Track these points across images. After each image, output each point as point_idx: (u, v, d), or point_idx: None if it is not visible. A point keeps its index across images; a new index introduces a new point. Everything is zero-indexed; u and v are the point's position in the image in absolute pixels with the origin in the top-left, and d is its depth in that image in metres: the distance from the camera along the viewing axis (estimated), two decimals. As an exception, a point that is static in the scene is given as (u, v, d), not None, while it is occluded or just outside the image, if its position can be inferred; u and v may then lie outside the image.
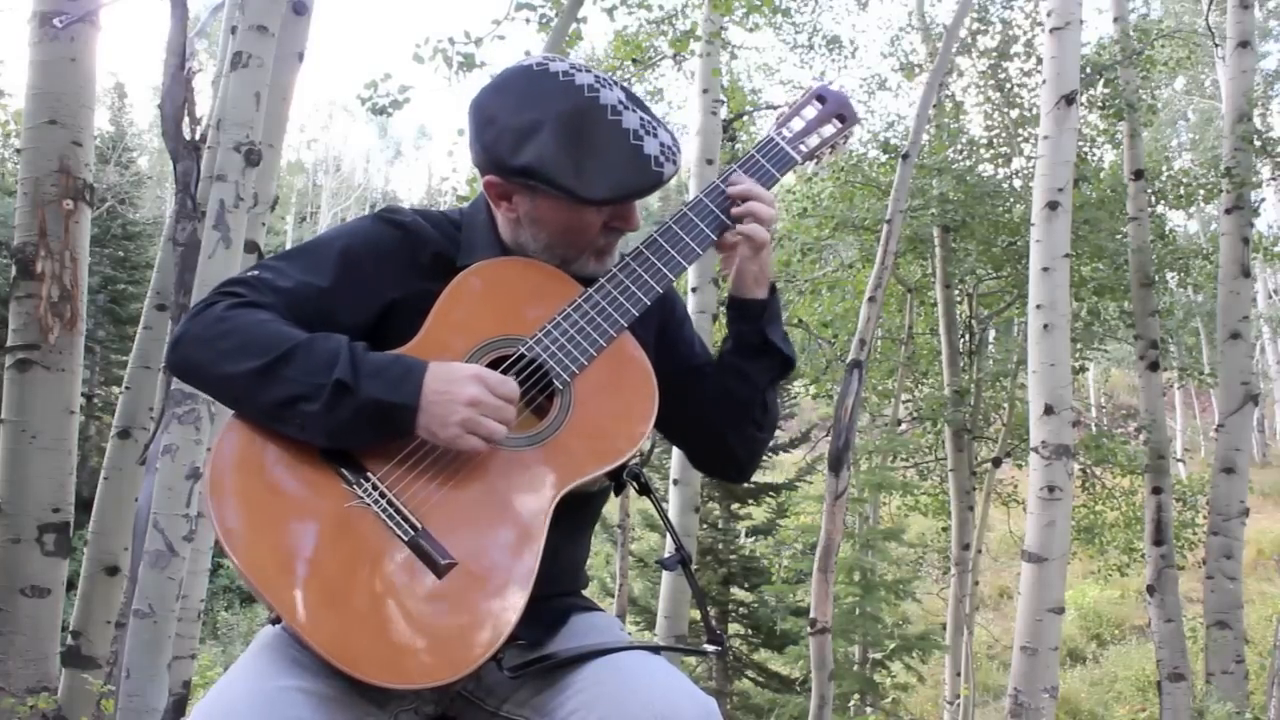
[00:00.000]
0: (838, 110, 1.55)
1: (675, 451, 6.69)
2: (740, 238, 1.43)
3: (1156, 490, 8.19)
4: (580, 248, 1.41)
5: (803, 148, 1.52)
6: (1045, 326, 5.31)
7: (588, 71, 1.36)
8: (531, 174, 1.32)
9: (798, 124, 1.53)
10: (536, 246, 1.41)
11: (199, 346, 1.27)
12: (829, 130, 1.54)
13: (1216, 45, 9.56)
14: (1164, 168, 10.27)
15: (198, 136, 3.65)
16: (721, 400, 1.47)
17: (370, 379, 1.23)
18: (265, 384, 1.23)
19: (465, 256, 1.42)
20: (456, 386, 1.24)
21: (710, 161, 6.92)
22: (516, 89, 1.36)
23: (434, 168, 44.75)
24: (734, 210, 1.43)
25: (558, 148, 1.31)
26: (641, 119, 1.35)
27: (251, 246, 3.55)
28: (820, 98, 1.55)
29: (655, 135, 1.35)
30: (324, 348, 1.25)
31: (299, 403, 1.22)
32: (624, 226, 1.41)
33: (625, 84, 1.41)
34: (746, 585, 11.19)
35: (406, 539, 1.22)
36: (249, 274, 1.35)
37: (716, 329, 6.75)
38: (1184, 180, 9.66)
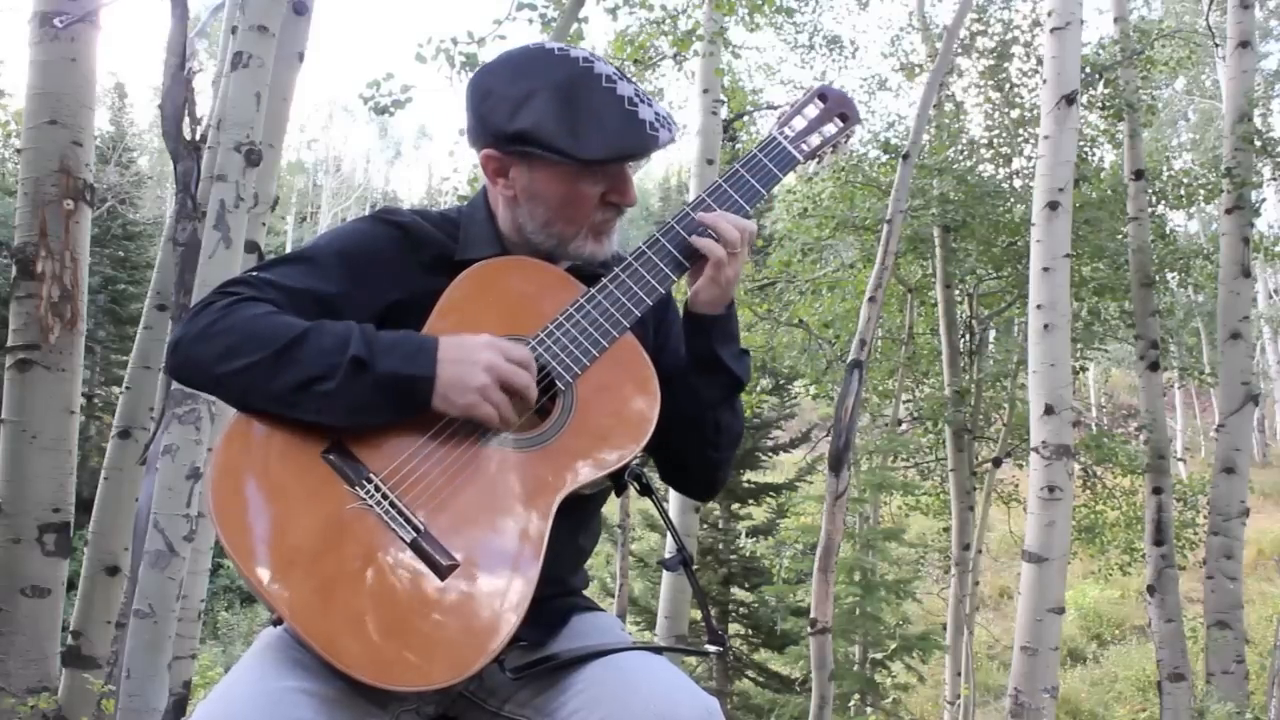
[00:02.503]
0: (840, 109, 1.54)
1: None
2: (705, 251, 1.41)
3: (1157, 490, 8.19)
4: (578, 222, 1.40)
5: (804, 147, 1.51)
6: (1045, 326, 5.31)
7: (582, 50, 1.39)
8: (527, 138, 1.33)
9: (799, 123, 1.53)
10: (534, 225, 1.41)
11: (200, 345, 1.26)
12: (831, 129, 1.54)
13: (1217, 45, 9.56)
14: (1164, 168, 10.26)
15: (198, 136, 3.65)
16: (676, 416, 1.42)
17: (386, 354, 1.24)
18: (277, 371, 1.22)
19: (464, 252, 1.41)
20: (473, 353, 1.25)
21: (711, 161, 6.92)
22: (512, 64, 1.38)
23: (434, 168, 44.81)
24: (694, 238, 1.41)
25: (553, 111, 1.32)
26: (636, 89, 1.37)
27: (252, 246, 3.55)
28: (822, 96, 1.55)
29: (650, 105, 1.36)
30: (334, 330, 1.25)
31: (314, 384, 1.22)
32: (621, 201, 1.41)
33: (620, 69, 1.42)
34: (747, 585, 11.19)
35: (408, 540, 1.22)
36: (249, 274, 1.35)
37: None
38: (1184, 180, 9.66)
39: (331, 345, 1.23)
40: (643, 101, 1.35)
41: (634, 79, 1.44)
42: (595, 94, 1.33)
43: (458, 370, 1.24)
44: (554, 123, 1.32)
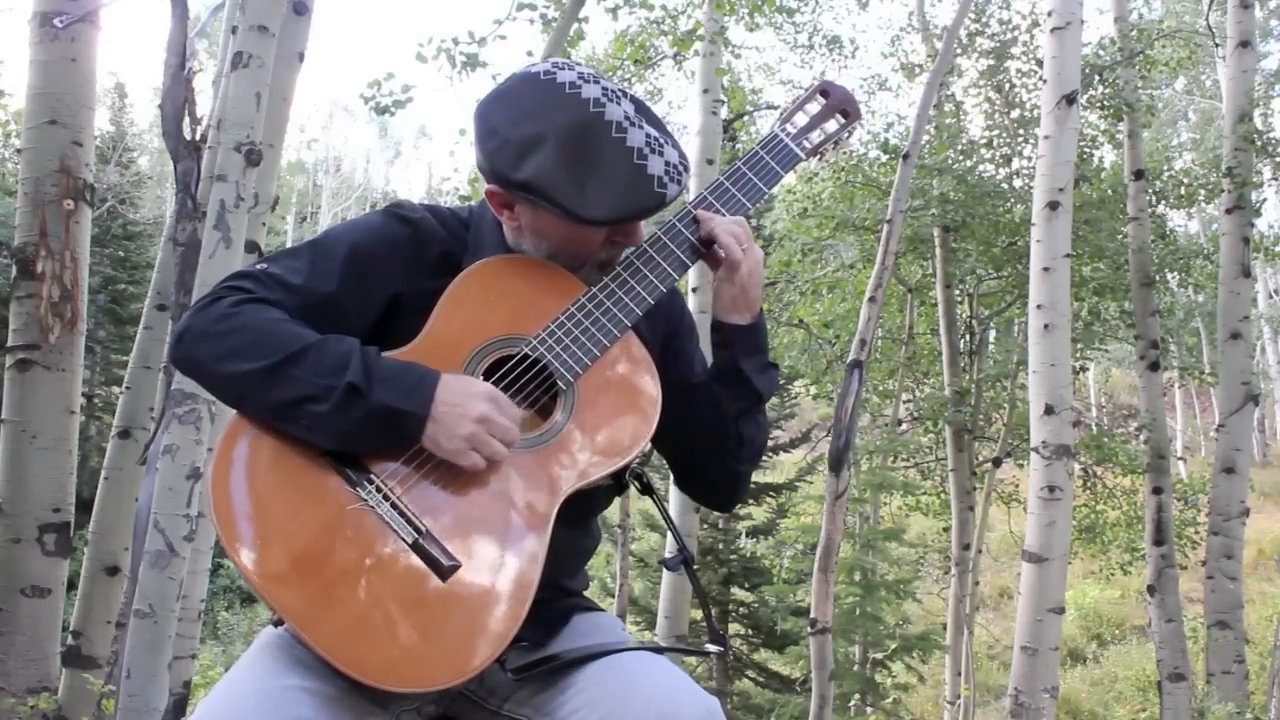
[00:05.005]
0: (841, 105, 1.53)
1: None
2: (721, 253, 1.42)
3: (1157, 490, 8.19)
4: (582, 259, 1.40)
5: (806, 144, 1.50)
6: (1046, 326, 5.31)
7: (595, 83, 1.33)
8: (531, 190, 1.31)
9: (801, 119, 1.51)
10: (538, 255, 1.40)
11: (204, 342, 1.25)
12: (832, 126, 1.52)
13: (1217, 45, 9.56)
14: (1164, 168, 10.27)
15: (198, 136, 3.65)
16: (698, 425, 1.45)
17: (382, 384, 1.22)
18: (273, 383, 1.22)
19: (472, 256, 1.41)
20: (469, 402, 1.24)
21: (711, 161, 6.91)
22: (521, 99, 1.34)
23: (434, 168, 44.78)
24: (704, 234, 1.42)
25: (558, 165, 1.29)
26: (648, 136, 1.32)
27: (252, 246, 3.55)
28: (824, 92, 1.53)
29: (660, 154, 1.32)
30: (336, 350, 1.24)
31: (307, 403, 1.21)
32: (626, 242, 1.40)
33: (634, 95, 1.38)
34: (747, 585, 11.19)
35: (410, 541, 1.21)
36: (256, 268, 1.34)
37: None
38: (1184, 180, 9.66)
39: (329, 366, 1.22)
40: (654, 151, 1.32)
41: (645, 112, 1.36)
42: (604, 146, 1.30)
43: (451, 414, 1.23)
44: (558, 178, 1.29)
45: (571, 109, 1.30)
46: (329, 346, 1.24)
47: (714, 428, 1.44)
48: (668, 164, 1.33)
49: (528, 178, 1.30)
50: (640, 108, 1.36)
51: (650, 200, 1.32)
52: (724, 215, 1.44)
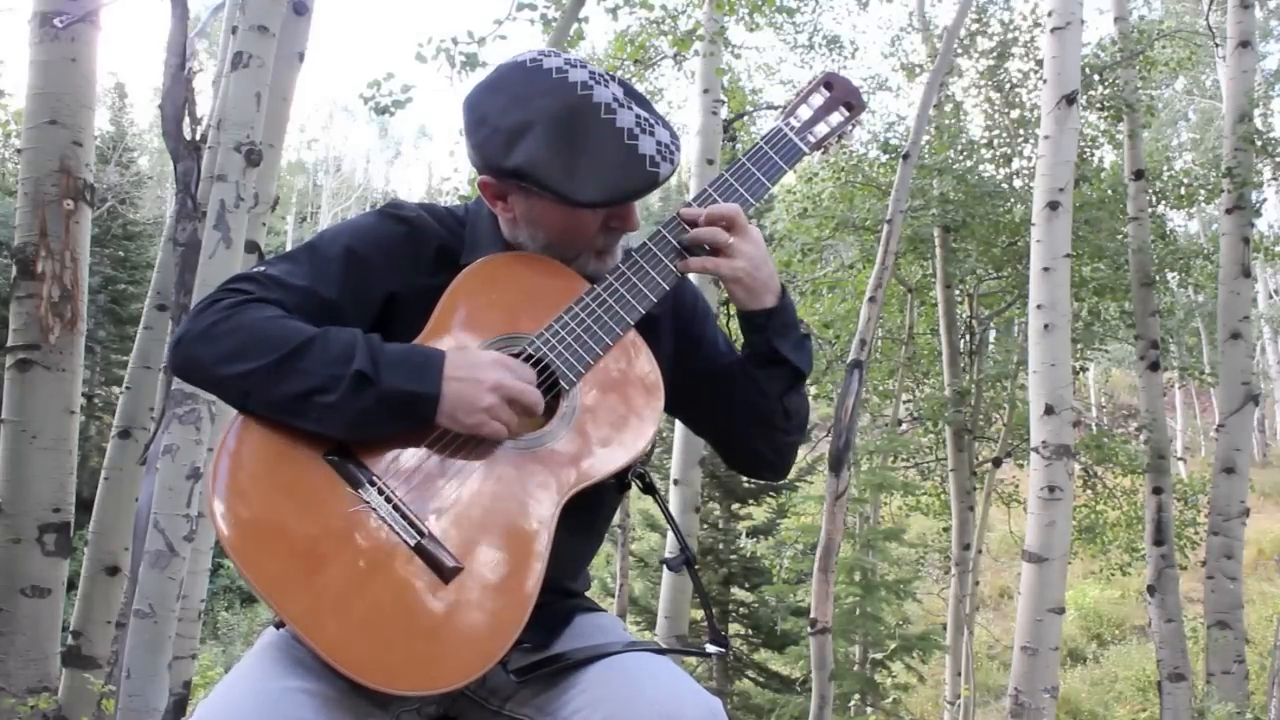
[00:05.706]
0: (845, 98, 1.52)
1: (676, 451, 6.70)
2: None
3: (1157, 490, 8.19)
4: (579, 248, 1.39)
5: (810, 137, 1.49)
6: (1046, 326, 5.31)
7: (582, 67, 1.32)
8: (522, 176, 1.30)
9: (805, 112, 1.50)
10: (535, 246, 1.40)
11: (204, 344, 1.24)
12: (837, 119, 1.51)
13: (1217, 45, 9.57)
14: (1164, 168, 10.28)
15: (198, 136, 3.65)
16: (742, 408, 1.46)
17: (390, 369, 1.22)
18: (279, 378, 1.21)
19: (469, 254, 1.40)
20: (480, 371, 1.23)
21: (711, 161, 6.92)
22: (508, 87, 1.33)
23: (434, 168, 44.78)
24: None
25: (548, 149, 1.28)
26: (638, 116, 1.31)
27: (252, 246, 3.55)
28: (828, 84, 1.52)
29: (651, 133, 1.31)
30: (339, 340, 1.24)
31: (316, 395, 1.21)
32: (623, 227, 1.39)
33: (622, 79, 1.37)
34: (747, 585, 11.18)
35: (412, 544, 1.21)
36: (255, 271, 1.34)
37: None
38: (1184, 180, 9.67)
39: (335, 356, 1.22)
40: (645, 131, 1.30)
41: (634, 95, 1.34)
42: (593, 128, 1.28)
43: (464, 389, 1.22)
44: (549, 162, 1.28)
45: (559, 93, 1.30)
46: (331, 337, 1.24)
47: (759, 409, 1.45)
48: (659, 143, 1.31)
49: (518, 164, 1.29)
50: (629, 90, 1.35)
51: (643, 180, 1.30)
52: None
